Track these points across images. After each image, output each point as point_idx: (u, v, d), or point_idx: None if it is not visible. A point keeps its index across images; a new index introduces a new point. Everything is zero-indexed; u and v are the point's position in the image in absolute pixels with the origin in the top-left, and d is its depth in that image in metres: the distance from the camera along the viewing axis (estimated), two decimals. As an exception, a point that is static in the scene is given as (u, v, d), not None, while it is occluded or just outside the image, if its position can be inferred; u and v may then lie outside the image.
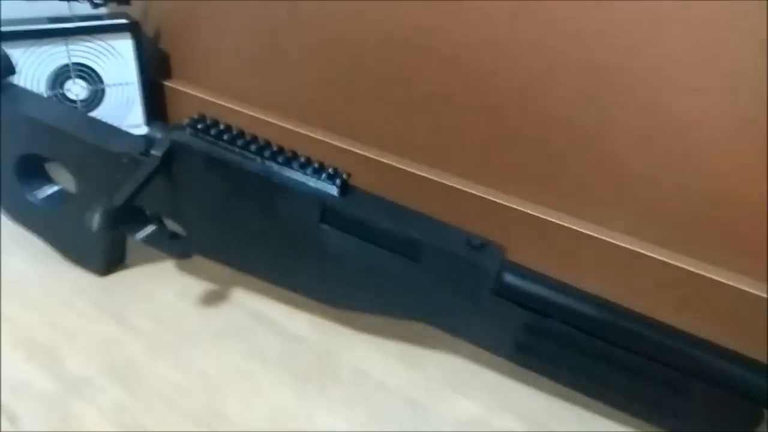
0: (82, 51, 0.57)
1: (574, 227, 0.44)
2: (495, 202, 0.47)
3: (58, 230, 0.44)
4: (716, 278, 0.39)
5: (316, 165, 0.35)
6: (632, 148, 0.40)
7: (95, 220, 0.33)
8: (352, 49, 0.51)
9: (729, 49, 0.34)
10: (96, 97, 0.59)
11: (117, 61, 0.59)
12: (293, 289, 0.39)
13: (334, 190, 0.35)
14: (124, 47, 0.58)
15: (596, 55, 0.39)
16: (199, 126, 0.36)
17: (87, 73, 0.58)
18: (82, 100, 0.59)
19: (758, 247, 0.38)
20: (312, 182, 0.35)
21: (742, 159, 0.36)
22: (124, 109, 0.61)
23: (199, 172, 0.37)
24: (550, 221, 0.44)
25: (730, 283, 0.39)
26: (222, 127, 0.36)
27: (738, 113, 0.36)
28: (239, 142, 0.36)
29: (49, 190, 0.44)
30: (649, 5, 0.36)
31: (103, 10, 0.60)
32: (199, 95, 0.62)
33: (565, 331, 0.32)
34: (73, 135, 0.39)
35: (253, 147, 0.35)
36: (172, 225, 0.43)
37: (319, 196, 0.35)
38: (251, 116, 0.59)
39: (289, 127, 0.57)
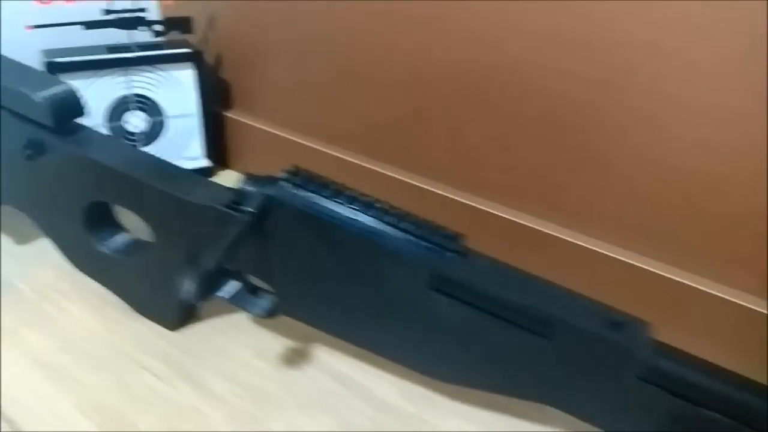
0: (142, 82, 0.54)
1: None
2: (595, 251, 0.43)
3: (130, 281, 0.41)
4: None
5: (427, 226, 0.32)
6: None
7: (190, 288, 0.30)
8: (422, 82, 0.48)
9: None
10: (155, 129, 0.56)
11: (178, 91, 0.56)
12: (392, 358, 0.36)
13: (447, 255, 0.31)
14: (185, 77, 0.56)
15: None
16: (296, 180, 0.33)
17: (147, 104, 0.55)
18: (141, 133, 0.56)
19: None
20: (423, 245, 0.31)
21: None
22: (184, 141, 0.58)
23: (294, 229, 0.34)
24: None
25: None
26: (321, 181, 0.33)
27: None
28: (341, 199, 0.32)
29: (121, 239, 0.41)
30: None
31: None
32: (261, 126, 0.59)
33: (724, 424, 0.28)
34: (152, 185, 0.36)
35: (356, 204, 0.32)
36: (253, 280, 0.39)
37: (430, 261, 0.31)
38: (315, 149, 0.56)
39: (355, 161, 0.54)
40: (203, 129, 0.58)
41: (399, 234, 0.31)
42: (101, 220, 0.41)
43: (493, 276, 0.31)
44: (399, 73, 0.49)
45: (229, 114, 0.61)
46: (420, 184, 0.50)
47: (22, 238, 0.50)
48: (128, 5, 0.53)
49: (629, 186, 0.41)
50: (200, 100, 0.57)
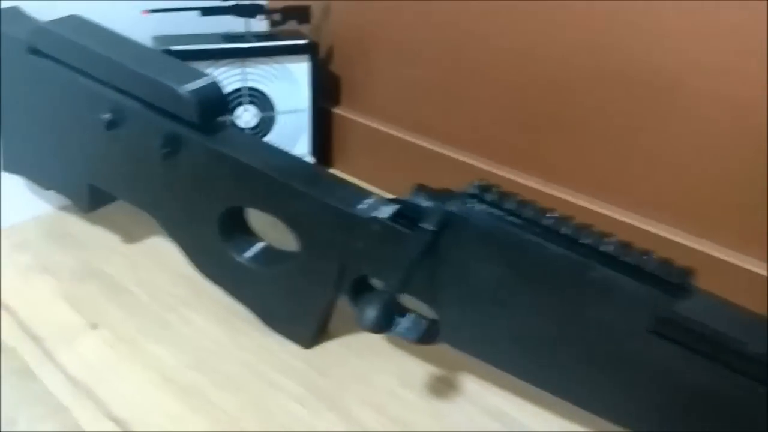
0: (257, 74, 0.51)
1: None
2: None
3: (264, 293, 0.38)
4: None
5: (651, 259, 0.27)
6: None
7: (372, 315, 0.26)
8: (534, 86, 0.44)
9: None
10: (265, 125, 0.53)
11: (291, 85, 0.52)
12: (576, 402, 0.31)
13: (676, 293, 0.27)
14: (299, 71, 0.52)
15: None
16: (487, 197, 0.29)
17: (259, 98, 0.52)
18: (251, 128, 0.53)
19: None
20: (645, 280, 0.27)
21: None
22: (292, 137, 0.54)
23: (478, 251, 0.30)
24: None
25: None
26: (517, 200, 0.29)
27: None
28: (544, 222, 0.28)
29: (256, 248, 0.38)
30: None
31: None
32: (371, 124, 0.55)
33: None
34: (309, 193, 0.33)
35: (563, 230, 0.28)
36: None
37: (654, 300, 0.27)
38: (425, 149, 0.52)
39: (470, 162, 0.50)
40: (312, 125, 0.54)
41: (615, 266, 0.27)
42: (237, 226, 0.37)
43: (729, 320, 0.27)
44: (514, 75, 0.45)
45: (336, 110, 0.57)
46: (539, 187, 0.46)
47: (129, 237, 0.47)
48: (246, -8, 0.50)
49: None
50: (312, 95, 0.53)
